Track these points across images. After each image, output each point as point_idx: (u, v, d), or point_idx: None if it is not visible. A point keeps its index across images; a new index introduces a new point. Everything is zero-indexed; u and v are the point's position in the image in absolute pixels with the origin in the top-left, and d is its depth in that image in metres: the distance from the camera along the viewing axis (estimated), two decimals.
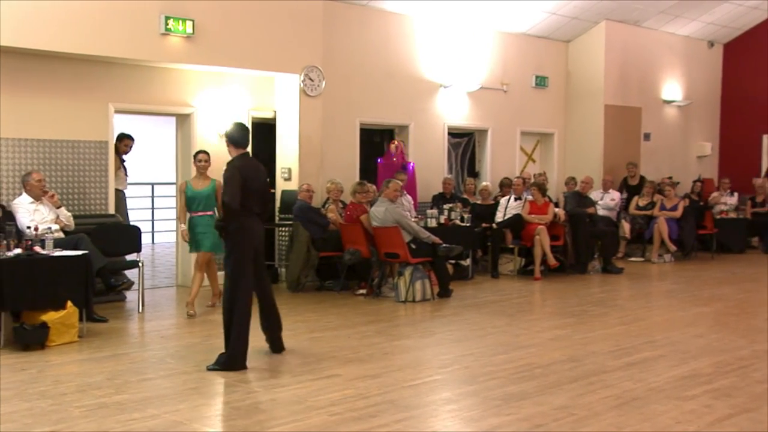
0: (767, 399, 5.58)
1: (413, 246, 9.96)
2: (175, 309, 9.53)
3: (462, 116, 13.95)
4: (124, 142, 10.49)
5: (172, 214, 11.54)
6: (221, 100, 10.87)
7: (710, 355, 6.91)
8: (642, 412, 5.26)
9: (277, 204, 11.23)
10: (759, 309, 9.70)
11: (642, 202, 14.53)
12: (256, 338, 6.94)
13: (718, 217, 15.22)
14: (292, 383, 5.93)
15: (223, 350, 6.38)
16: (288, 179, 11.26)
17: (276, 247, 11.41)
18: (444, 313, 9.18)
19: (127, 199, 10.74)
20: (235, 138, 6.69)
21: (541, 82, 15.12)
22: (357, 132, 12.48)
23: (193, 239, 8.88)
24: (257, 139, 11.30)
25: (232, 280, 6.40)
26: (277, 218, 11.27)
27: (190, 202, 8.88)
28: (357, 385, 5.88)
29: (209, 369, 6.29)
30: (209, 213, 8.87)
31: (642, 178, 15.25)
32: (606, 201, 14.22)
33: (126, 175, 10.65)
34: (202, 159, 8.97)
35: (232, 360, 6.30)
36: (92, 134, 9.74)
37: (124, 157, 10.59)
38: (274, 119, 11.37)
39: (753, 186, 16.57)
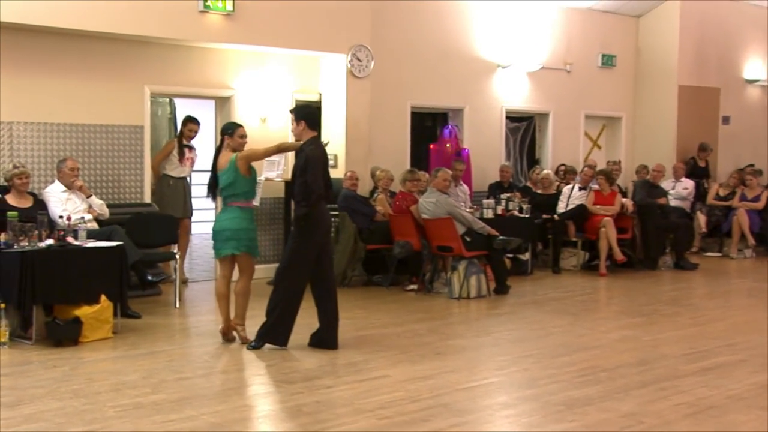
0: None
1: (467, 239, 9.93)
2: (213, 304, 9.64)
3: (521, 99, 13.86)
4: (189, 126, 10.33)
5: (210, 203, 11.63)
6: (263, 82, 10.94)
7: None
8: (719, 422, 5.18)
9: None
10: None
11: (723, 192, 14.28)
12: (301, 335, 7.00)
13: None
14: (338, 384, 5.96)
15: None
16: (333, 166, 11.26)
17: None
18: (501, 310, 9.14)
19: (188, 188, 10.57)
20: (312, 118, 6.93)
21: (608, 61, 14.95)
22: (408, 116, 12.47)
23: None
24: None
25: (291, 262, 6.79)
26: None
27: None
28: (407, 387, 5.88)
29: (249, 348, 6.78)
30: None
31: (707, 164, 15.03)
32: (678, 190, 13.99)
33: (191, 164, 10.41)
34: (245, 136, 7.43)
35: (273, 332, 6.75)
36: (127, 118, 9.89)
37: (192, 143, 10.39)
38: (319, 102, 11.41)
39: None
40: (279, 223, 11.12)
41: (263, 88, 10.95)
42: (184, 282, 10.26)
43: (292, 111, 7.22)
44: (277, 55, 10.93)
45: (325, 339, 7.02)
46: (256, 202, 10.40)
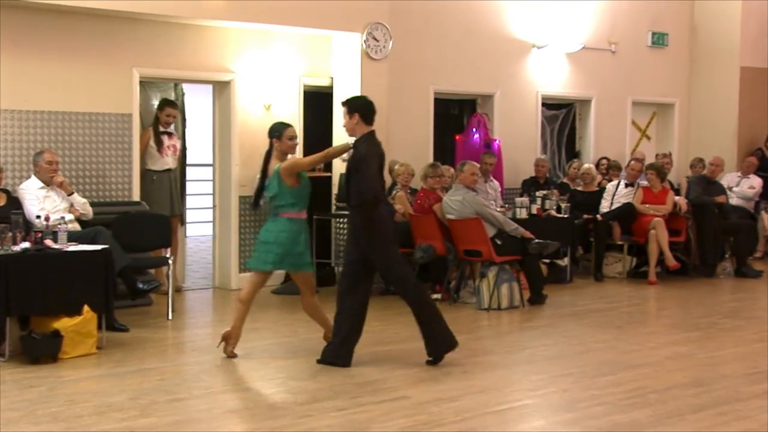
0: None
1: (498, 242, 9.90)
2: (211, 316, 9.67)
3: (559, 83, 13.83)
4: (166, 111, 10.32)
5: (207, 201, 11.71)
6: (267, 65, 10.97)
7: None
8: None
9: (334, 190, 11.29)
10: None
11: None
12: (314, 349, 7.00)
13: None
14: (352, 406, 5.95)
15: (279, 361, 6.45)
16: (347, 160, 11.26)
17: (333, 243, 11.48)
18: (536, 323, 9.11)
19: (176, 182, 10.55)
20: (368, 111, 7.03)
21: (659, 40, 14.91)
22: (431, 103, 12.47)
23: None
24: (310, 112, 11.39)
25: (395, 270, 7.07)
26: (333, 207, 11.33)
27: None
28: (430, 409, 5.86)
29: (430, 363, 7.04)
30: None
31: None
32: (743, 188, 13.88)
33: (173, 152, 10.38)
34: (295, 137, 7.51)
35: (445, 343, 7.04)
36: (113, 106, 9.93)
37: (170, 129, 10.38)
38: (330, 87, 11.42)
39: None
40: None
41: (267, 72, 10.97)
42: (179, 290, 10.29)
43: (344, 103, 7.29)
44: (283, 34, 10.95)
45: (340, 354, 7.03)
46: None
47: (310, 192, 7.40)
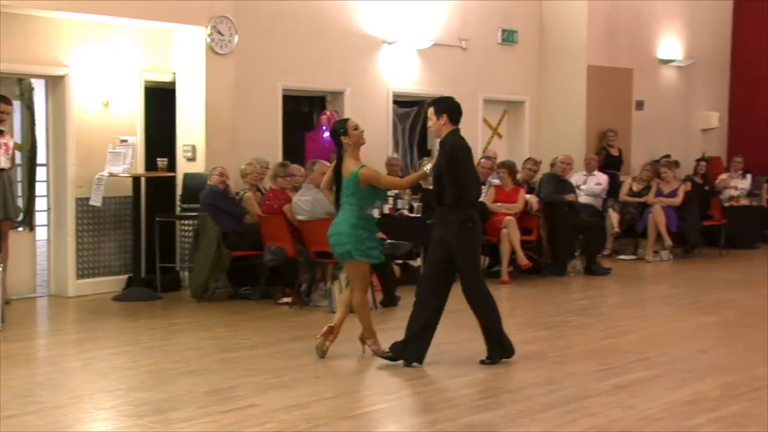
0: None
1: None
2: (46, 325, 9.39)
3: (410, 80, 13.98)
4: (0, 108, 9.85)
5: (42, 203, 11.33)
6: (105, 59, 10.74)
7: (717, 375, 7.07)
8: None
9: (179, 191, 11.14)
10: None
11: (637, 187, 14.76)
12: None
13: (728, 204, 15.55)
14: (198, 416, 5.90)
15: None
16: (192, 159, 11.16)
17: (177, 246, 11.31)
18: (389, 325, 9.18)
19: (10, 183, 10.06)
20: (456, 112, 7.26)
21: (508, 37, 15.23)
22: (279, 100, 12.42)
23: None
24: (152, 108, 11.20)
25: (475, 277, 7.31)
26: (178, 208, 11.17)
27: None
28: (280, 417, 5.86)
29: (484, 363, 7.32)
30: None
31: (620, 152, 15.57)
32: (590, 185, 14.35)
33: (5, 151, 9.87)
34: (358, 126, 7.65)
35: (504, 351, 7.35)
36: None
37: (1, 127, 9.90)
38: (173, 83, 11.26)
39: None
40: (126, 227, 10.90)
41: (105, 66, 10.74)
42: (8, 302, 9.91)
43: (431, 104, 7.42)
44: (122, 26, 10.73)
45: (406, 351, 7.27)
46: (95, 202, 10.22)
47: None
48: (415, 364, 7.24)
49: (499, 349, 7.40)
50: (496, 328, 7.42)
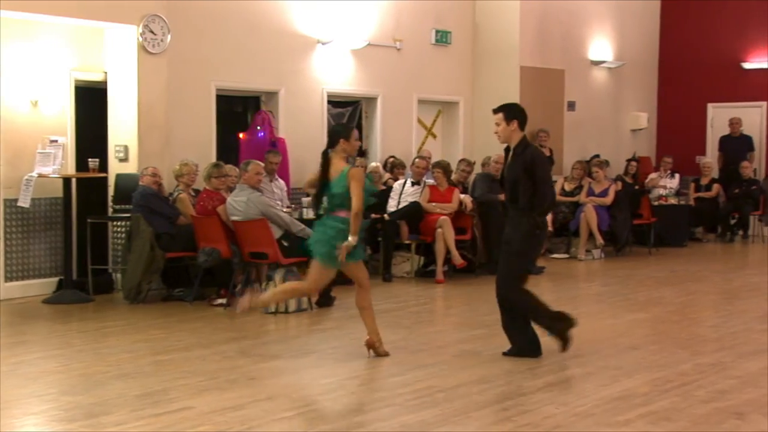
0: (713, 423, 5.85)
1: (285, 243, 9.94)
2: None
3: (345, 80, 13.99)
4: None
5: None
6: (33, 58, 10.57)
7: (647, 371, 7.18)
8: None
9: (111, 192, 11.01)
10: (703, 314, 10.15)
11: (569, 186, 14.93)
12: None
13: (657, 203, 15.83)
14: (131, 420, 5.83)
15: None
16: (124, 160, 11.05)
17: (110, 247, 11.17)
18: (324, 326, 9.20)
19: None
20: (525, 119, 7.51)
21: (442, 38, 15.31)
22: (213, 100, 12.33)
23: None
24: (82, 108, 11.06)
25: (516, 280, 7.47)
26: (110, 209, 11.04)
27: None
28: (214, 419, 5.83)
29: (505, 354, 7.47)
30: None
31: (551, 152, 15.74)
32: None
33: None
34: (359, 138, 8.03)
35: (529, 351, 7.46)
36: None
37: None
38: (104, 83, 11.12)
39: (697, 166, 17.31)
40: (56, 229, 10.74)
41: (34, 65, 10.57)
42: None
43: (499, 110, 7.56)
44: (51, 25, 10.58)
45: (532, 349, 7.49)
46: (24, 203, 10.06)
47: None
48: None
49: (520, 347, 7.53)
50: (522, 328, 7.57)
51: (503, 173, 8.01)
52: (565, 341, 7.50)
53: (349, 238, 7.28)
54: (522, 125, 7.54)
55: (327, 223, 7.49)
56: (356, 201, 7.39)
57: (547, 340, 7.58)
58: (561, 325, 7.53)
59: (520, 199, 7.37)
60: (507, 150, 7.63)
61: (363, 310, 7.62)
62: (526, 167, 7.37)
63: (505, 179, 7.72)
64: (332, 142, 7.58)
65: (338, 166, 7.46)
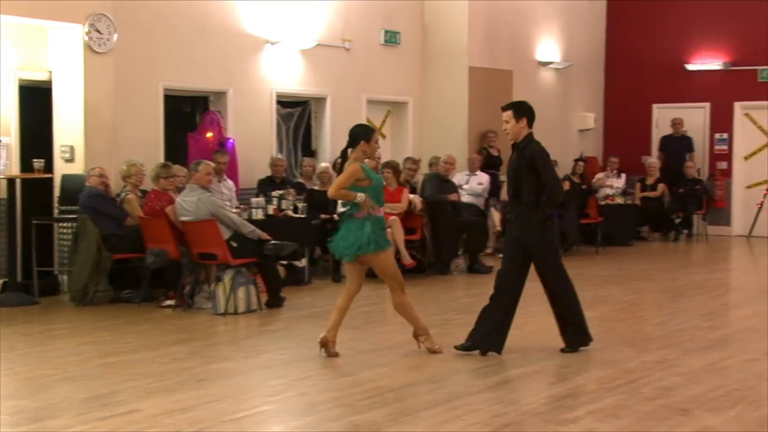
0: (658, 419, 5.93)
1: (234, 244, 9.90)
2: None
3: (294, 80, 13.96)
4: None
5: None
6: None
7: (593, 369, 7.28)
8: None
9: (56, 193, 10.89)
10: (649, 312, 10.29)
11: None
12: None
13: (604, 203, 16.00)
14: (78, 424, 5.78)
15: None
16: (70, 160, 10.95)
17: (56, 249, 11.06)
18: (274, 327, 9.19)
19: None
20: (534, 116, 7.59)
21: (391, 38, 15.34)
22: (161, 100, 12.25)
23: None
24: (26, 108, 10.96)
25: (558, 268, 7.65)
26: (56, 211, 10.92)
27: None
28: (163, 421, 5.80)
29: (566, 351, 7.65)
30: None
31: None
32: (473, 185, 14.58)
33: None
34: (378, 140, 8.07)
35: (581, 339, 7.72)
36: None
37: None
38: (49, 82, 11.01)
39: (643, 166, 17.54)
40: (1, 231, 10.61)
41: None
42: None
43: (508, 107, 7.66)
44: None
45: (490, 341, 7.57)
46: None
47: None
48: (492, 353, 7.55)
49: (579, 336, 7.74)
50: (579, 314, 7.77)
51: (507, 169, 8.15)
52: (573, 345, 7.76)
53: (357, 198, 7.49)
54: (530, 123, 7.66)
55: (350, 226, 7.61)
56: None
57: (511, 335, 7.67)
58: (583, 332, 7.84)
59: (525, 194, 7.51)
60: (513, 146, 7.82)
61: (400, 311, 7.83)
62: (528, 163, 7.50)
63: (507, 175, 7.86)
64: (353, 142, 7.68)
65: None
